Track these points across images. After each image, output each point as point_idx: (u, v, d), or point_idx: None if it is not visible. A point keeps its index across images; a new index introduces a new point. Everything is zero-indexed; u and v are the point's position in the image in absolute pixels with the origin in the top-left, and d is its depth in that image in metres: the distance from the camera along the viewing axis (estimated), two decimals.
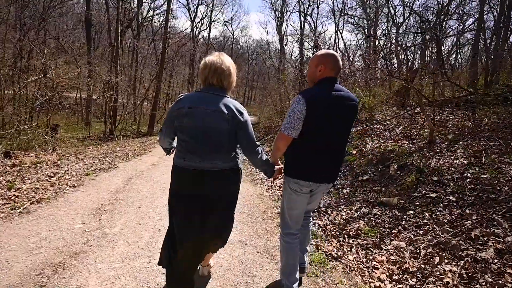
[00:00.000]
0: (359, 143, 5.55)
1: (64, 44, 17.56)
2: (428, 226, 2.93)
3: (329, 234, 2.99)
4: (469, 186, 3.20)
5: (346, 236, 2.95)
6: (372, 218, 3.27)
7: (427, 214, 3.12)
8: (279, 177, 2.14)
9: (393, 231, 2.97)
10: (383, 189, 3.89)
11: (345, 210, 3.61)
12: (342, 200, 3.90)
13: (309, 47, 21.50)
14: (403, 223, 3.08)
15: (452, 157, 4.08)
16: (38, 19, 16.32)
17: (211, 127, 1.53)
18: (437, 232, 2.72)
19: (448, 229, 2.71)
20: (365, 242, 2.82)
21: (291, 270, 1.82)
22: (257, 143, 1.68)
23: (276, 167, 1.79)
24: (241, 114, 1.58)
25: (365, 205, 3.64)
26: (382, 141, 5.41)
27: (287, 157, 1.76)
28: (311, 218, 2.14)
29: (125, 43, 23.29)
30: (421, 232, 2.86)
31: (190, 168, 1.55)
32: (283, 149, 1.70)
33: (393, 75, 5.46)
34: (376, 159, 4.64)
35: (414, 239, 2.73)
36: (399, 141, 5.21)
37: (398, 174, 4.06)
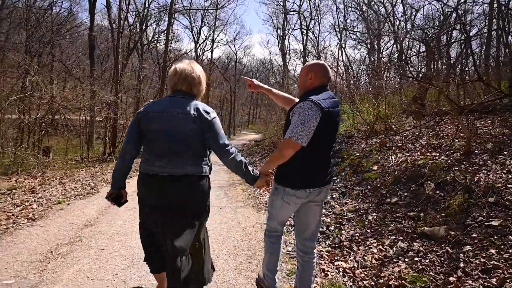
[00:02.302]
0: (379, 157, 4.73)
1: (70, 69, 17.58)
2: (500, 270, 2.07)
3: (360, 286, 2.13)
4: None
5: None
6: (416, 258, 2.40)
7: (493, 251, 2.27)
8: (265, 189, 2.07)
9: (451, 278, 2.11)
10: (421, 214, 3.04)
11: (375, 244, 2.76)
12: (369, 231, 3.05)
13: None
14: (462, 265, 2.22)
15: (505, 171, 3.24)
16: (44, 44, 16.42)
17: (177, 129, 1.49)
18: None
19: None
20: None
21: (274, 264, 1.88)
22: (228, 142, 1.58)
23: (264, 177, 1.67)
24: (208, 113, 1.54)
25: (401, 237, 2.78)
26: (407, 154, 4.58)
27: (286, 166, 1.63)
28: (315, 252, 1.85)
29: (132, 66, 23.47)
30: (493, 280, 2.00)
31: (153, 173, 1.50)
32: (288, 158, 1.58)
33: (415, 77, 4.72)
34: (405, 176, 3.80)
35: None
36: (428, 154, 4.39)
37: (438, 194, 3.22)
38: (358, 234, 3.00)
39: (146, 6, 19.69)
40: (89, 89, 11.97)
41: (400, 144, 5.17)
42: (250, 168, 1.65)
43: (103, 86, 13.83)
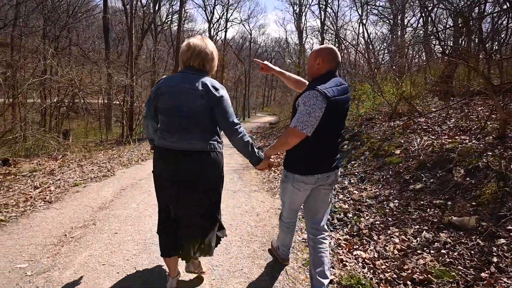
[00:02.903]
0: (402, 141, 4.44)
1: (87, 52, 17.72)
2: None
3: (381, 279, 2.00)
4: None
5: (409, 283, 1.94)
6: (442, 250, 2.23)
7: None
8: (268, 170, 2.02)
9: (483, 274, 1.93)
10: (449, 203, 2.81)
11: (397, 234, 2.59)
12: (390, 219, 2.87)
13: (331, 40, 20.18)
14: (495, 260, 2.03)
15: None
16: (61, 28, 16.54)
17: (185, 105, 1.49)
18: None
19: None
20: None
21: (290, 240, 2.03)
22: (237, 121, 1.57)
23: (267, 160, 1.72)
24: (217, 90, 1.52)
25: (426, 227, 2.60)
26: (433, 137, 4.27)
27: (290, 153, 1.70)
28: (326, 235, 1.82)
29: (146, 48, 23.39)
30: None
31: (167, 147, 1.52)
32: (292, 146, 1.61)
33: (447, 52, 4.29)
34: (431, 161, 3.54)
35: None
36: (457, 137, 4.06)
37: (468, 181, 2.96)
38: (379, 222, 2.83)
39: None
40: (105, 73, 12.06)
41: (425, 127, 4.83)
42: (256, 150, 1.67)
43: (118, 69, 13.89)
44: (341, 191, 3.78)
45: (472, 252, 2.16)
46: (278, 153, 1.74)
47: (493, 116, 4.34)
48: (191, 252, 1.58)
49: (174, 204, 1.56)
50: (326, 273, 1.66)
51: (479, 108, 5.40)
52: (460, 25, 4.91)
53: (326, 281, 1.63)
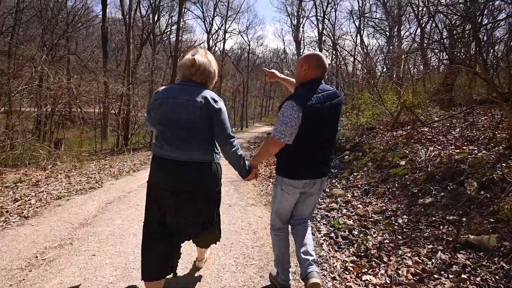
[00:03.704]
0: (407, 151, 4.23)
1: (85, 62, 17.61)
2: None
3: None
4: None
5: None
6: (463, 275, 1.97)
7: None
8: (255, 180, 1.92)
9: None
10: (464, 219, 2.57)
11: (409, 254, 2.33)
12: (400, 236, 2.61)
13: (328, 50, 20.26)
14: None
15: None
16: (58, 36, 16.47)
17: (184, 116, 1.49)
18: None
19: None
20: None
21: (284, 257, 1.84)
22: (232, 134, 1.60)
23: (254, 170, 1.76)
24: (216, 102, 1.54)
25: (440, 247, 2.34)
26: (439, 147, 4.06)
27: (279, 158, 1.74)
28: (308, 222, 1.91)
29: (145, 58, 23.38)
30: None
31: (166, 157, 1.52)
32: (273, 154, 1.69)
33: (454, 60, 4.12)
34: (440, 173, 3.32)
35: None
36: (465, 147, 3.86)
37: (483, 195, 2.73)
38: (388, 241, 2.58)
39: None
40: (101, 81, 11.88)
41: (429, 137, 4.63)
42: (246, 163, 1.72)
43: (116, 79, 13.74)
44: (344, 205, 3.53)
45: (497, 277, 1.91)
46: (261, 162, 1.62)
47: (499, 125, 4.17)
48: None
49: (173, 213, 1.54)
50: (311, 252, 1.73)
51: (482, 118, 5.24)
52: (467, 32, 4.78)
53: (311, 258, 1.69)
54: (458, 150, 3.77)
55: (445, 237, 2.45)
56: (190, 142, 1.50)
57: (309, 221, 1.91)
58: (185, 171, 1.50)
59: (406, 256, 2.33)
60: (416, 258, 2.29)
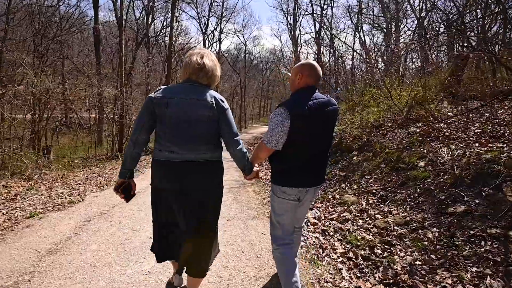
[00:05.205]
0: (425, 150, 3.78)
1: (80, 67, 17.10)
2: None
3: None
4: None
5: None
6: None
7: None
8: (254, 179, 1.79)
9: None
10: (511, 233, 2.12)
11: (450, 281, 1.88)
12: (433, 256, 2.16)
13: (326, 47, 19.83)
14: None
15: None
16: (49, 40, 16.00)
17: (193, 116, 1.49)
18: None
19: None
20: None
21: (292, 284, 1.61)
22: (238, 132, 1.64)
23: (254, 168, 1.73)
24: (223, 101, 1.59)
25: (488, 270, 1.89)
26: (462, 145, 3.62)
27: (273, 165, 1.73)
28: (301, 230, 1.96)
29: (141, 60, 22.89)
30: None
31: (173, 160, 1.49)
32: (264, 159, 1.72)
33: (477, 48, 3.66)
34: (469, 175, 2.86)
35: None
36: (492, 144, 3.41)
37: None
38: (420, 262, 2.12)
39: None
40: (92, 84, 11.41)
41: (447, 133, 4.19)
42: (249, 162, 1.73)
43: (111, 82, 13.26)
44: (359, 214, 3.07)
45: None
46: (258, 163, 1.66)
47: None
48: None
49: (182, 215, 1.54)
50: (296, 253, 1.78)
51: (499, 112, 4.81)
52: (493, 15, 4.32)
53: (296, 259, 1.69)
54: (485, 148, 3.32)
55: (490, 256, 2.00)
56: (200, 142, 1.52)
57: (301, 229, 1.96)
58: (196, 171, 1.50)
59: (447, 283, 1.87)
60: (460, 286, 1.83)
